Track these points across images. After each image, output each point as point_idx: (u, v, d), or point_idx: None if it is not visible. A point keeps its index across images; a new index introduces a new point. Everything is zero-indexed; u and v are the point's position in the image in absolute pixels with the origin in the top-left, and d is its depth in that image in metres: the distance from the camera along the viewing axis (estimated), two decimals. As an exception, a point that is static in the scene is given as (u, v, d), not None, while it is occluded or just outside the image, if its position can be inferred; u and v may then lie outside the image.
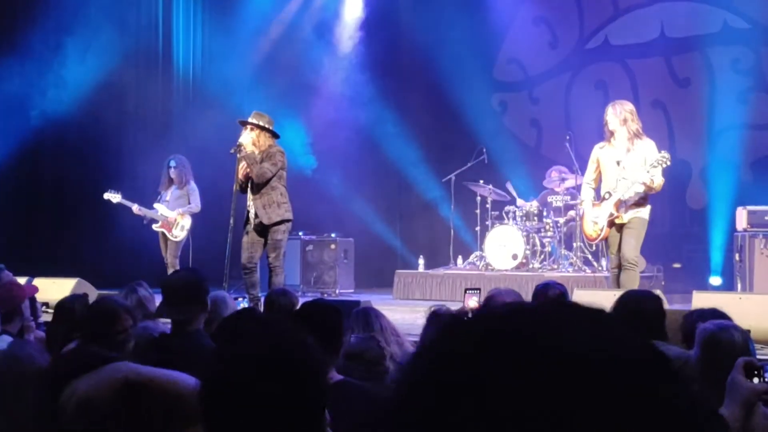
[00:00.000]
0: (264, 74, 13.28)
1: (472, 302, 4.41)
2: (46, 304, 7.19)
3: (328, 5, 13.80)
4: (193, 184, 10.60)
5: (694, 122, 12.41)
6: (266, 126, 8.27)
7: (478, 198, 11.99)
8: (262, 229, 8.25)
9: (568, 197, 11.48)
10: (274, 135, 8.36)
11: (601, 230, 7.66)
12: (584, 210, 8.06)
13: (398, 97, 13.78)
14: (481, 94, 14.04)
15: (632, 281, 7.44)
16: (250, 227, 8.28)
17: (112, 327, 3.30)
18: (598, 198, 7.79)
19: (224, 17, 13.48)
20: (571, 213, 11.43)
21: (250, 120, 8.30)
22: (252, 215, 8.27)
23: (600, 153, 7.76)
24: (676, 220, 12.65)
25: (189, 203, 10.50)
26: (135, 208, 10.40)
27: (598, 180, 7.83)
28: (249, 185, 8.30)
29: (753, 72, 12.19)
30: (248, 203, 8.33)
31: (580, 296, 7.49)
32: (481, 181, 11.90)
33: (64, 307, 4.19)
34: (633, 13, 13.13)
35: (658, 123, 12.80)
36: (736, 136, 11.98)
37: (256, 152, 8.20)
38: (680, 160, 12.40)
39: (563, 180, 11.51)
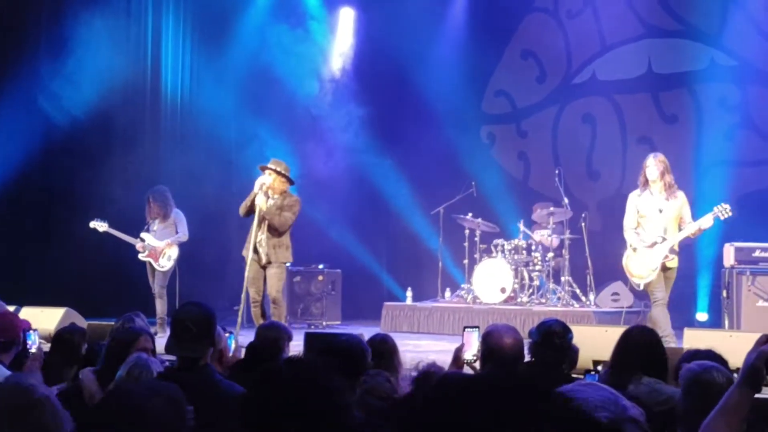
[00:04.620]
0: (252, 103, 13.28)
1: (473, 341, 4.40)
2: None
3: (319, 36, 13.83)
4: (178, 212, 10.54)
5: (681, 158, 12.43)
6: (283, 172, 8.82)
7: (467, 231, 12.00)
8: (265, 265, 8.84)
9: (555, 232, 11.53)
10: (290, 181, 8.91)
11: (654, 271, 8.39)
12: (638, 251, 8.54)
13: (387, 129, 13.79)
14: (469, 126, 14.12)
15: (665, 314, 8.42)
16: (256, 262, 8.80)
17: None
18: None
19: (213, 43, 13.47)
20: (558, 243, 11.47)
21: (269, 165, 8.87)
22: (262, 251, 8.77)
23: (638, 201, 8.54)
24: (664, 255, 12.68)
25: (176, 232, 10.44)
26: (122, 236, 10.37)
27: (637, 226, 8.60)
28: (258, 219, 8.76)
29: (739, 109, 12.28)
30: (258, 238, 8.76)
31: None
32: (470, 215, 11.92)
33: (62, 338, 4.15)
34: (620, 49, 13.23)
35: (644, 158, 12.86)
36: (722, 172, 12.04)
37: (272, 194, 8.79)
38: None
39: (551, 215, 11.55)
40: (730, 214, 8.41)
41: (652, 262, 8.39)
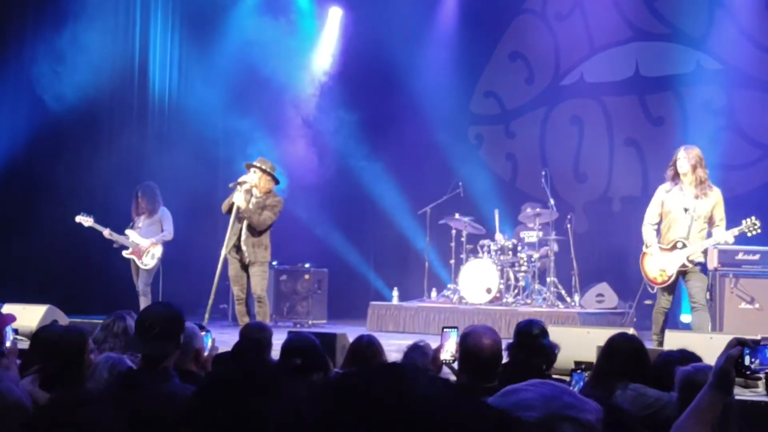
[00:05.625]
0: (239, 100, 13.24)
1: (451, 342, 4.41)
2: (15, 331, 7.09)
3: (307, 35, 13.84)
4: (165, 210, 10.49)
5: (667, 160, 12.38)
6: (269, 171, 8.80)
7: (453, 231, 12.03)
8: (247, 265, 8.80)
9: (542, 232, 11.56)
10: (275, 180, 8.90)
11: (669, 278, 7.83)
12: (650, 252, 8.00)
13: (375, 128, 13.80)
14: (457, 126, 14.14)
15: (705, 321, 7.77)
16: (237, 261, 8.79)
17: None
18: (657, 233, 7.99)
19: (201, 40, 13.44)
20: (546, 248, 11.50)
21: (255, 163, 8.87)
22: (244, 250, 8.72)
23: (666, 196, 7.90)
24: (648, 257, 12.71)
25: (162, 230, 10.39)
26: (106, 232, 10.29)
27: (659, 221, 7.99)
28: (238, 217, 8.75)
29: (724, 112, 12.34)
30: (242, 237, 8.73)
31: (553, 332, 7.51)
32: (457, 215, 11.94)
33: (40, 337, 4.12)
34: (608, 52, 13.28)
35: (631, 160, 12.95)
36: (708, 175, 12.08)
37: (258, 193, 8.74)
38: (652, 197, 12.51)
39: (537, 215, 11.58)
40: (759, 231, 7.75)
41: (667, 268, 7.84)
